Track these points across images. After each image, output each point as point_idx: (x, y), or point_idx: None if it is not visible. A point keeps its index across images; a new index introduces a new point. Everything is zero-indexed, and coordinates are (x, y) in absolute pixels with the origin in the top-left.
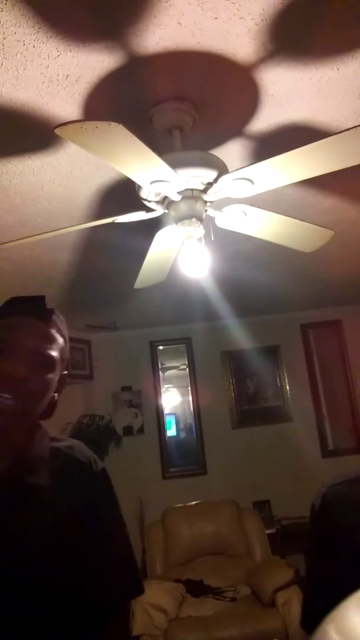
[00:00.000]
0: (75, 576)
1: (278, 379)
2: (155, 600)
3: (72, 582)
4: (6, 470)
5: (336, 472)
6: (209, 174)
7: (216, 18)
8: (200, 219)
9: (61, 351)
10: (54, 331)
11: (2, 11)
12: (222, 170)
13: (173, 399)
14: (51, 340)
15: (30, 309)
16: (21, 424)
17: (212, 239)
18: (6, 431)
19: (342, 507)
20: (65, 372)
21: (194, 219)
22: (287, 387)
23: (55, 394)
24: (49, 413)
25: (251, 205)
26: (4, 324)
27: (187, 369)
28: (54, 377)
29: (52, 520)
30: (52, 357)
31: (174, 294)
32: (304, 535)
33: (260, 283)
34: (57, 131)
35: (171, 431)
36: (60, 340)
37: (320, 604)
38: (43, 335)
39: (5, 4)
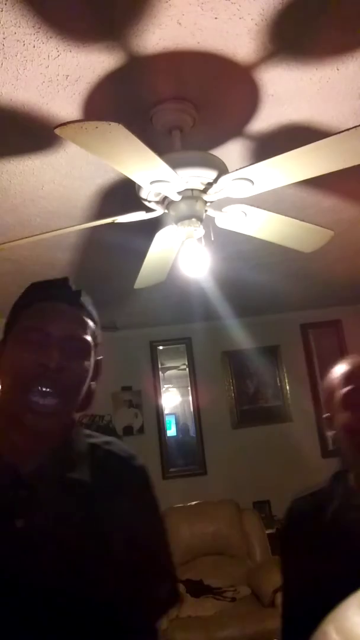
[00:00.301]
0: (114, 577)
1: (278, 379)
2: None
3: (110, 582)
4: (49, 467)
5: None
6: (209, 174)
7: (216, 18)
8: (200, 219)
9: (93, 335)
10: (83, 315)
11: (2, 11)
12: (222, 170)
13: (173, 399)
14: (82, 324)
15: (56, 294)
16: (62, 418)
17: (212, 239)
18: (48, 427)
19: (304, 520)
20: (101, 357)
21: (194, 219)
22: (287, 387)
23: (92, 383)
24: (86, 404)
25: (251, 205)
26: (29, 312)
27: (187, 369)
28: (89, 363)
29: (95, 517)
30: (86, 342)
31: (174, 294)
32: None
33: (260, 283)
34: (57, 131)
35: (171, 431)
36: (91, 323)
37: (298, 614)
38: (73, 319)
39: (5, 4)
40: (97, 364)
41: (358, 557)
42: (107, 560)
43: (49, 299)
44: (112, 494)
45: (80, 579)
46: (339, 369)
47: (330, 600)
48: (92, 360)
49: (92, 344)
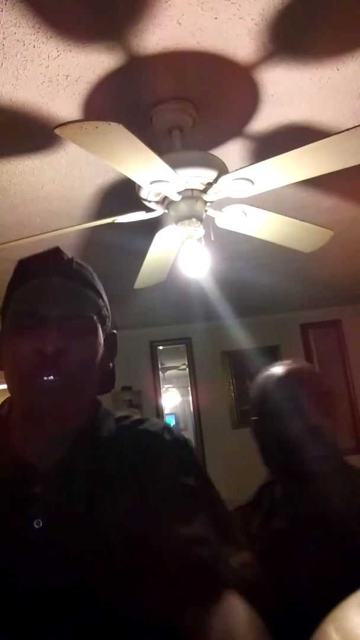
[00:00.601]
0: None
1: None
2: None
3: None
4: (68, 461)
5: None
6: (209, 174)
7: (216, 18)
8: (200, 219)
9: (97, 308)
10: (81, 286)
11: (2, 11)
12: (222, 170)
13: (173, 399)
14: (81, 297)
15: (47, 267)
16: (75, 405)
17: (212, 239)
18: (58, 417)
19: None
20: (114, 331)
21: (194, 219)
22: None
23: (110, 362)
24: (108, 384)
25: (251, 205)
26: (20, 294)
27: (187, 369)
28: (97, 341)
29: (128, 504)
30: (87, 317)
31: (174, 294)
32: None
33: (260, 283)
34: (57, 131)
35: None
36: (93, 295)
37: None
38: (69, 294)
39: (5, 4)
40: (111, 338)
41: (289, 565)
42: (136, 564)
43: (40, 275)
44: (144, 475)
45: (102, 582)
46: (272, 376)
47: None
48: (101, 336)
49: (95, 318)
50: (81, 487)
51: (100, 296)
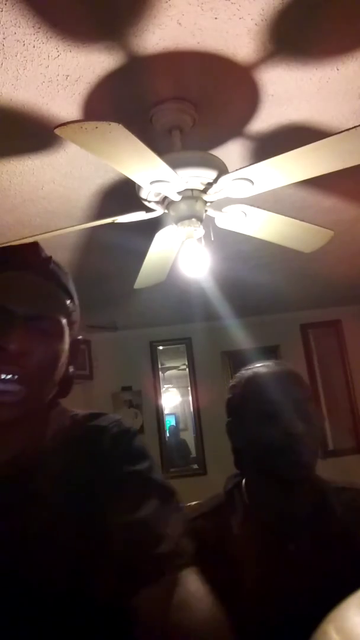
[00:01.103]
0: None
1: None
2: None
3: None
4: (20, 460)
5: (336, 472)
6: (209, 174)
7: (216, 18)
8: (200, 219)
9: (67, 312)
10: (54, 287)
11: (2, 11)
12: (222, 170)
13: (173, 399)
14: (52, 298)
15: (21, 261)
16: (30, 408)
17: (212, 239)
18: (13, 418)
19: (207, 541)
20: (79, 337)
21: (193, 219)
22: None
23: (70, 367)
24: (65, 390)
25: (251, 205)
26: None
27: (187, 369)
28: (62, 345)
29: (77, 493)
30: (56, 321)
31: (174, 294)
32: None
33: (260, 283)
34: (57, 131)
35: (171, 431)
36: (64, 297)
37: None
38: (41, 293)
39: (5, 4)
40: (74, 345)
41: (272, 566)
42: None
43: (12, 269)
44: (92, 473)
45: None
46: (251, 378)
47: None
48: (66, 341)
49: (64, 322)
50: (31, 482)
51: (72, 300)
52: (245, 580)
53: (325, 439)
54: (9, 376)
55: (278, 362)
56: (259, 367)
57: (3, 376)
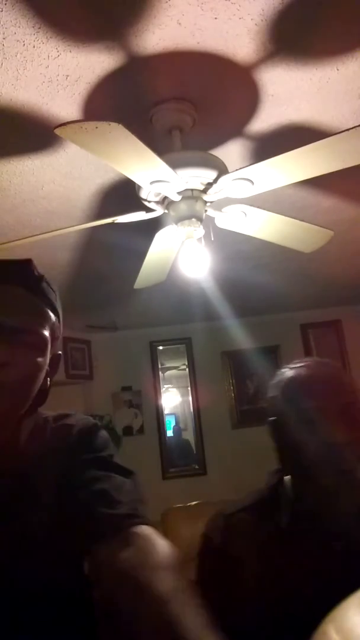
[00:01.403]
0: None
1: None
2: None
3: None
4: None
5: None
6: (209, 174)
7: (216, 18)
8: (200, 219)
9: (52, 328)
10: (41, 303)
11: (2, 11)
12: (222, 170)
13: (173, 399)
14: (38, 314)
15: (13, 276)
16: (5, 419)
17: (212, 239)
18: None
19: (239, 538)
20: (59, 352)
21: (193, 219)
22: None
23: (48, 379)
24: (39, 402)
25: (251, 205)
26: None
27: (187, 369)
28: (43, 359)
29: (46, 479)
30: (39, 335)
31: (174, 294)
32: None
33: (260, 283)
34: (57, 131)
35: (171, 431)
36: (50, 314)
37: None
38: (28, 308)
39: (5, 4)
40: (55, 359)
41: (316, 563)
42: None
43: (4, 282)
44: (55, 476)
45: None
46: (293, 379)
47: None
48: (48, 355)
49: (48, 338)
50: (9, 479)
51: (58, 317)
52: (287, 575)
53: None
54: None
55: (321, 362)
56: (301, 366)
57: None
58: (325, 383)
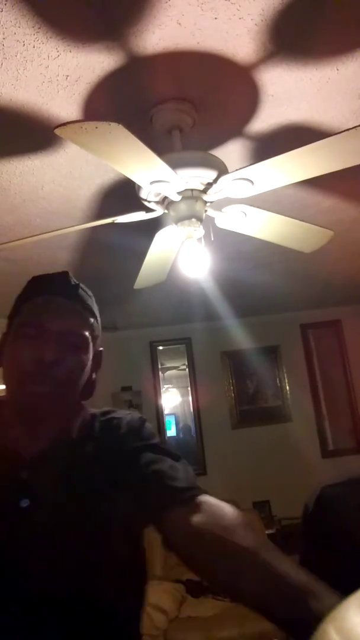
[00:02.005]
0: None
1: (278, 379)
2: (155, 600)
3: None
4: (50, 450)
5: (336, 472)
6: (209, 174)
7: (216, 18)
8: (200, 219)
9: (91, 328)
10: (81, 308)
11: (2, 11)
12: (222, 170)
13: (173, 399)
14: (79, 317)
15: (54, 288)
16: (61, 408)
17: (212, 239)
18: (47, 416)
19: (337, 508)
20: (101, 348)
21: (193, 219)
22: (287, 387)
23: (93, 374)
24: (88, 393)
25: (251, 205)
26: (29, 306)
27: (187, 369)
28: (87, 356)
29: (99, 488)
30: (82, 335)
31: (174, 294)
32: (298, 536)
33: (260, 283)
34: (57, 131)
35: (171, 431)
36: (89, 317)
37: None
38: (70, 314)
39: (5, 4)
40: (97, 355)
41: None
42: (112, 527)
43: (48, 293)
44: (112, 461)
45: (88, 549)
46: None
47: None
48: (90, 352)
49: (89, 337)
50: (60, 470)
51: (96, 318)
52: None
53: (326, 439)
54: (45, 381)
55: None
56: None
57: (41, 381)
58: None
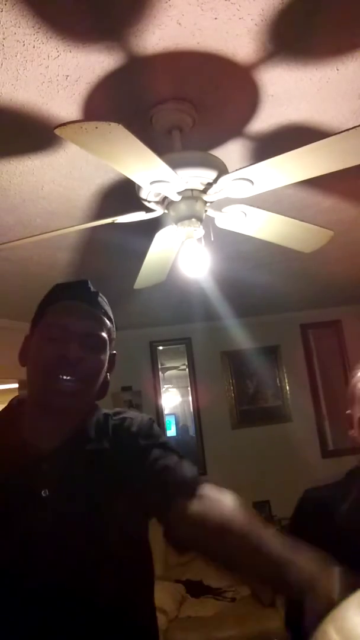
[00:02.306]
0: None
1: (278, 379)
2: (155, 600)
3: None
4: (69, 442)
5: (336, 472)
6: (209, 174)
7: (216, 18)
8: (200, 219)
9: (109, 331)
10: (100, 313)
11: (2, 11)
12: (222, 170)
13: (173, 399)
14: (99, 321)
15: (77, 294)
16: (80, 402)
17: (212, 239)
18: (69, 410)
19: (316, 510)
20: (114, 352)
21: (193, 219)
22: (287, 387)
23: (108, 374)
24: (103, 392)
25: (251, 205)
26: (53, 310)
27: (187, 369)
28: (105, 357)
29: (113, 478)
30: (102, 337)
31: (174, 294)
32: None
33: (260, 283)
34: (57, 131)
35: (171, 431)
36: (107, 321)
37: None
38: (91, 318)
39: (5, 4)
40: (112, 357)
41: None
42: (124, 511)
43: (71, 299)
44: (124, 456)
45: (103, 532)
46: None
47: None
48: (107, 353)
49: (107, 339)
50: (77, 463)
51: (112, 322)
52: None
53: (326, 439)
54: (68, 377)
55: None
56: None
57: (65, 377)
58: None
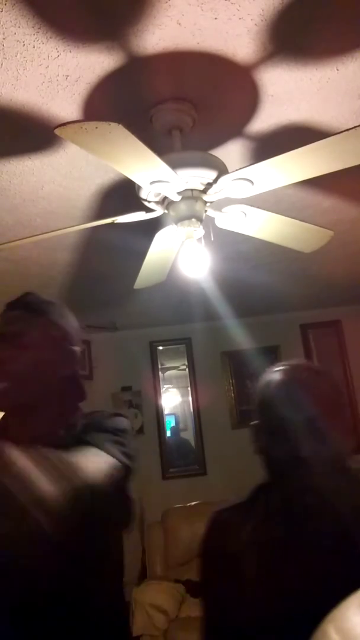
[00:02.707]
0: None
1: None
2: (155, 600)
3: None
4: (40, 439)
5: None
6: (209, 175)
7: (216, 18)
8: (200, 219)
9: (47, 334)
10: (31, 315)
11: (2, 11)
12: (222, 170)
13: (173, 399)
14: (28, 322)
15: (15, 304)
16: (15, 400)
17: (212, 239)
18: (8, 406)
19: (221, 532)
20: (77, 347)
21: (193, 219)
22: None
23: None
24: (78, 393)
25: (251, 205)
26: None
27: (187, 369)
28: (39, 353)
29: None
30: (30, 334)
31: (174, 294)
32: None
33: (260, 283)
34: (57, 131)
35: (171, 431)
36: (42, 320)
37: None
38: (20, 320)
39: (5, 4)
40: (70, 354)
41: (287, 572)
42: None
43: (13, 309)
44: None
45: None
46: (271, 380)
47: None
48: (46, 353)
49: (36, 336)
50: None
51: (55, 321)
52: (245, 584)
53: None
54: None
55: (301, 366)
56: (277, 371)
57: None
58: (291, 391)
